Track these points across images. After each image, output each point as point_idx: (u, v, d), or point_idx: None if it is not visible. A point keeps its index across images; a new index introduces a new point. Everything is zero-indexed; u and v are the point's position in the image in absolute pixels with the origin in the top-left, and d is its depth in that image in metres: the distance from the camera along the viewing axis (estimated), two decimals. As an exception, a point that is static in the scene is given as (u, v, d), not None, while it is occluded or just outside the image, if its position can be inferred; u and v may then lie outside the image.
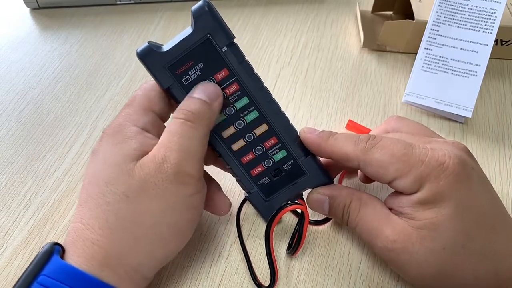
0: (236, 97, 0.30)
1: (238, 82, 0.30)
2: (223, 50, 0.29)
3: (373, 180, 0.35)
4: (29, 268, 0.25)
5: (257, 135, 0.31)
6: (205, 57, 0.29)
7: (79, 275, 0.25)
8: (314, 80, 0.48)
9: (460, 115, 0.43)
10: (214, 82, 0.30)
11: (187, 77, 0.29)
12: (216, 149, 0.31)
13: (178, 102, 0.30)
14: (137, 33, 0.53)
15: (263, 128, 0.31)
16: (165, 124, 0.32)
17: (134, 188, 0.27)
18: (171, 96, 0.30)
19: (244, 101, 0.30)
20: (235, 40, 0.29)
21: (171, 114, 0.32)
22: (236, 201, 0.36)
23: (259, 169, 0.32)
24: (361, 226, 0.30)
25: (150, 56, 0.29)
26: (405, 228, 0.28)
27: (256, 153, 0.31)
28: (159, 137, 0.30)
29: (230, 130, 0.31)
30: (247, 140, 0.31)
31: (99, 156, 0.29)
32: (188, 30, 0.29)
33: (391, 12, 0.55)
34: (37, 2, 0.55)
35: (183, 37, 0.29)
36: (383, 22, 0.50)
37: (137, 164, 0.28)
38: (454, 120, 0.44)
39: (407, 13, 0.50)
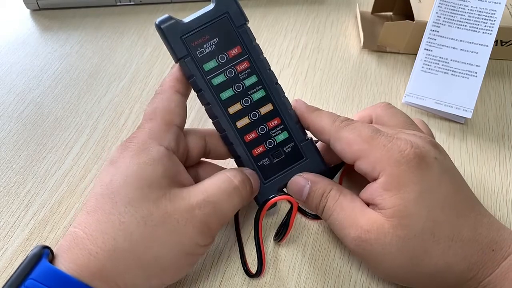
0: (246, 75, 0.32)
1: (249, 60, 0.32)
2: (239, 30, 0.31)
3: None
4: (17, 271, 0.25)
5: (262, 114, 0.32)
6: (221, 33, 0.31)
7: (67, 281, 0.25)
8: (314, 81, 0.48)
9: (460, 116, 0.43)
10: (227, 57, 0.31)
11: (201, 49, 0.31)
12: (221, 125, 0.32)
13: (188, 74, 0.31)
14: (137, 34, 0.53)
15: (268, 107, 0.32)
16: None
17: (155, 217, 0.27)
18: (183, 68, 0.31)
19: (253, 79, 0.32)
20: (248, 24, 0.32)
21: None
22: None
23: (260, 149, 0.32)
24: (336, 214, 0.30)
25: (168, 25, 0.31)
26: (379, 218, 0.28)
27: (259, 132, 0.32)
28: (179, 151, 0.31)
29: (237, 106, 0.32)
30: (252, 118, 0.32)
31: (119, 170, 0.28)
32: (209, 7, 0.31)
33: (391, 13, 0.55)
34: (37, 3, 0.55)
35: (203, 13, 0.31)
36: (383, 23, 0.50)
37: (166, 195, 0.28)
38: (454, 121, 0.44)
39: (407, 14, 0.50)
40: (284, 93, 0.33)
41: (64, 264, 0.26)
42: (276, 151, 0.33)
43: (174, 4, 0.57)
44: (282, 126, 0.32)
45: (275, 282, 0.32)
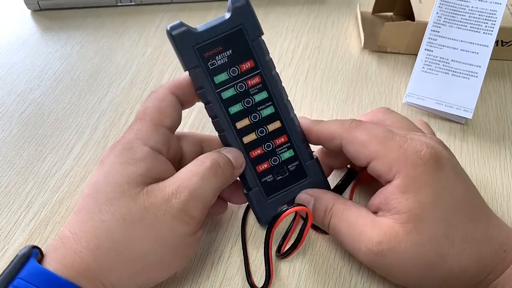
0: (257, 90, 0.31)
1: (261, 75, 0.31)
2: (253, 43, 0.30)
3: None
4: (6, 271, 0.25)
5: (269, 130, 0.32)
6: (234, 46, 0.30)
7: (54, 280, 0.25)
8: (314, 82, 0.48)
9: (461, 116, 0.43)
10: (239, 71, 0.30)
11: (213, 61, 0.30)
12: (227, 139, 0.31)
13: (198, 85, 0.30)
14: (138, 34, 0.53)
15: (276, 125, 0.32)
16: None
17: (134, 214, 0.27)
18: (192, 78, 0.31)
19: (263, 95, 0.31)
20: (263, 37, 0.31)
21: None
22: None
23: (265, 165, 0.32)
24: (344, 230, 0.29)
25: (180, 32, 0.29)
26: (392, 226, 0.27)
27: (265, 149, 0.32)
28: (169, 153, 0.30)
29: (245, 122, 0.31)
30: (259, 135, 0.32)
31: (103, 169, 0.28)
32: (223, 17, 0.30)
33: (391, 13, 0.55)
34: (38, 3, 0.55)
35: (218, 23, 0.30)
36: (384, 23, 0.50)
37: (144, 190, 0.27)
38: (454, 121, 0.44)
39: (408, 14, 0.50)
40: (293, 110, 0.32)
41: (52, 263, 0.26)
42: (280, 168, 0.32)
43: (175, 4, 0.57)
44: (289, 144, 0.32)
45: (276, 283, 0.32)
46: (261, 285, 0.31)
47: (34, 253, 0.26)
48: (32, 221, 0.36)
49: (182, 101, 0.32)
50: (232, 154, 0.31)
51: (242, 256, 0.33)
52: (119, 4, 0.56)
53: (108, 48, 0.51)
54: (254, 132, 0.31)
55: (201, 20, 0.30)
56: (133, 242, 0.27)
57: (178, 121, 0.32)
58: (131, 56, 0.50)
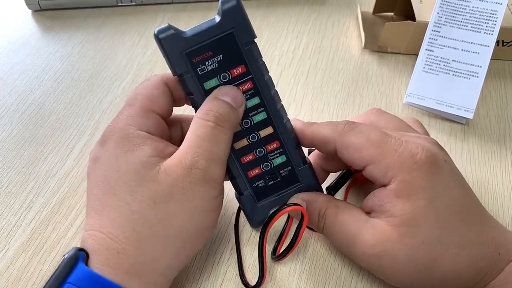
0: (248, 96, 0.30)
1: (253, 81, 0.30)
2: (244, 47, 0.29)
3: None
4: (55, 275, 0.25)
5: (261, 136, 0.31)
6: (225, 51, 0.29)
7: (106, 284, 0.25)
8: (315, 82, 0.48)
9: (462, 116, 0.43)
10: (229, 76, 0.29)
11: (203, 67, 0.29)
12: None
13: (187, 91, 0.30)
14: (138, 34, 0.53)
15: (269, 130, 0.31)
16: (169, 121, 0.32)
17: (162, 194, 0.27)
18: (182, 84, 0.30)
19: (255, 100, 0.30)
20: (255, 40, 0.30)
21: (179, 107, 0.32)
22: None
23: (256, 171, 0.32)
24: (338, 233, 0.29)
25: (169, 38, 0.28)
26: (385, 229, 0.27)
27: (257, 154, 0.31)
28: (162, 138, 0.30)
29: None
30: (250, 140, 0.31)
31: (108, 164, 0.28)
32: (213, 21, 0.28)
33: (392, 13, 0.55)
34: (39, 3, 0.55)
35: (207, 26, 0.28)
36: (384, 23, 0.50)
37: (161, 169, 0.27)
38: (455, 121, 0.44)
39: (408, 14, 0.50)
40: (286, 115, 0.31)
41: (97, 266, 0.25)
42: (272, 174, 0.32)
43: (176, 4, 0.57)
44: (281, 150, 0.31)
45: (276, 283, 0.32)
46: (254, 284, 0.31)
47: (81, 256, 0.25)
48: (32, 221, 0.36)
49: (173, 95, 0.31)
50: (230, 94, 0.29)
51: (236, 256, 0.33)
52: (120, 4, 0.56)
53: (108, 48, 0.51)
54: (245, 138, 0.31)
55: (201, 20, 0.29)
56: (170, 219, 0.27)
57: (169, 110, 0.31)
58: (132, 56, 0.50)
